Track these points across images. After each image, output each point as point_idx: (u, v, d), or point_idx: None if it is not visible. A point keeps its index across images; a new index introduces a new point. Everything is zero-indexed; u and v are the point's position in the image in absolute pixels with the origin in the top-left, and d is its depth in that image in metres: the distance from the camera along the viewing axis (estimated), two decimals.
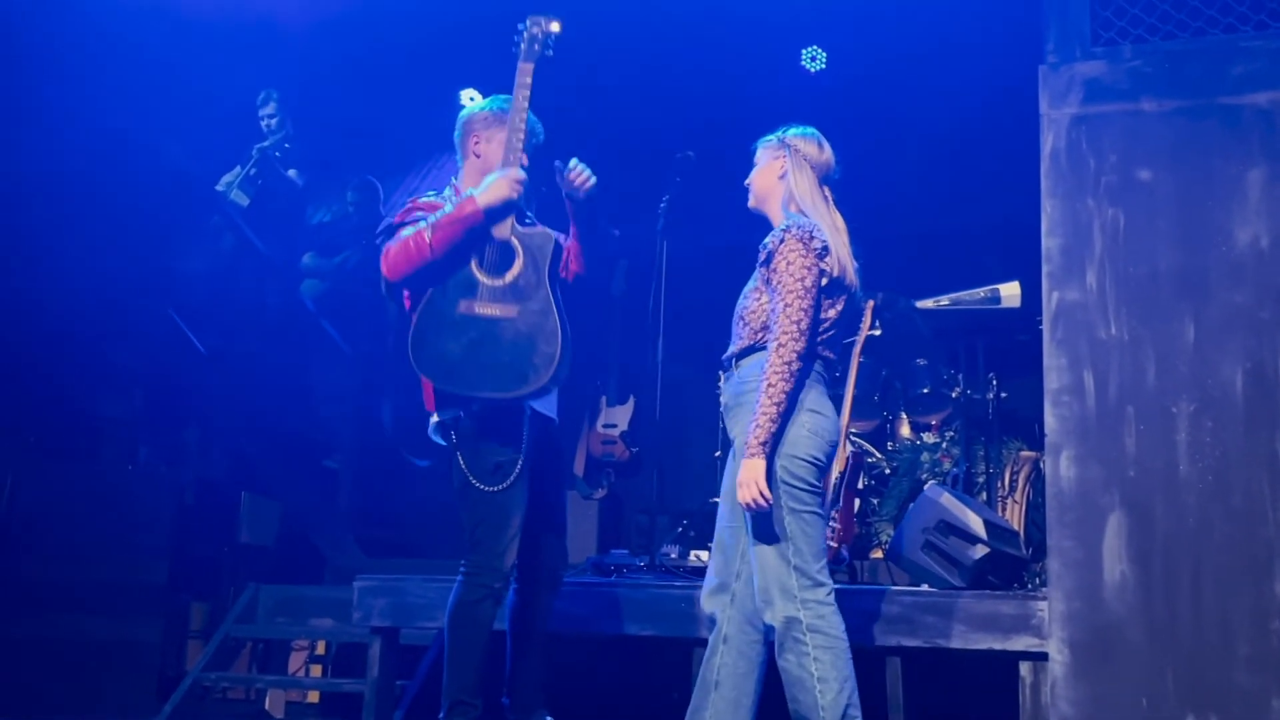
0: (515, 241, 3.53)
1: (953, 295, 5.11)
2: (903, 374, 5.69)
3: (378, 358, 6.73)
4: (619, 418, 6.67)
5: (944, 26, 5.89)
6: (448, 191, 3.73)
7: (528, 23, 3.66)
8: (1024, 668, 3.89)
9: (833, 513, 4.85)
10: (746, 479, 3.20)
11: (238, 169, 6.95)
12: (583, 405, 6.78)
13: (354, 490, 6.90)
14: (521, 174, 3.47)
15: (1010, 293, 5.02)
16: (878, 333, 5.29)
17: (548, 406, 3.64)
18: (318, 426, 7.02)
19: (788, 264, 3.30)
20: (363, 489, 6.97)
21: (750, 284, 3.47)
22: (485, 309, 3.47)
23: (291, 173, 6.99)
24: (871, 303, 5.03)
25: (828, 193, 3.52)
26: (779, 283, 3.31)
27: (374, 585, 4.75)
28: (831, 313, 3.40)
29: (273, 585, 6.07)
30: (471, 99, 7.64)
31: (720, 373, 3.56)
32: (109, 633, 5.63)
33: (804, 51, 6.87)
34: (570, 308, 3.58)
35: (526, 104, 3.59)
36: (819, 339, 3.38)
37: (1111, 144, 3.94)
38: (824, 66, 6.85)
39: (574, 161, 3.61)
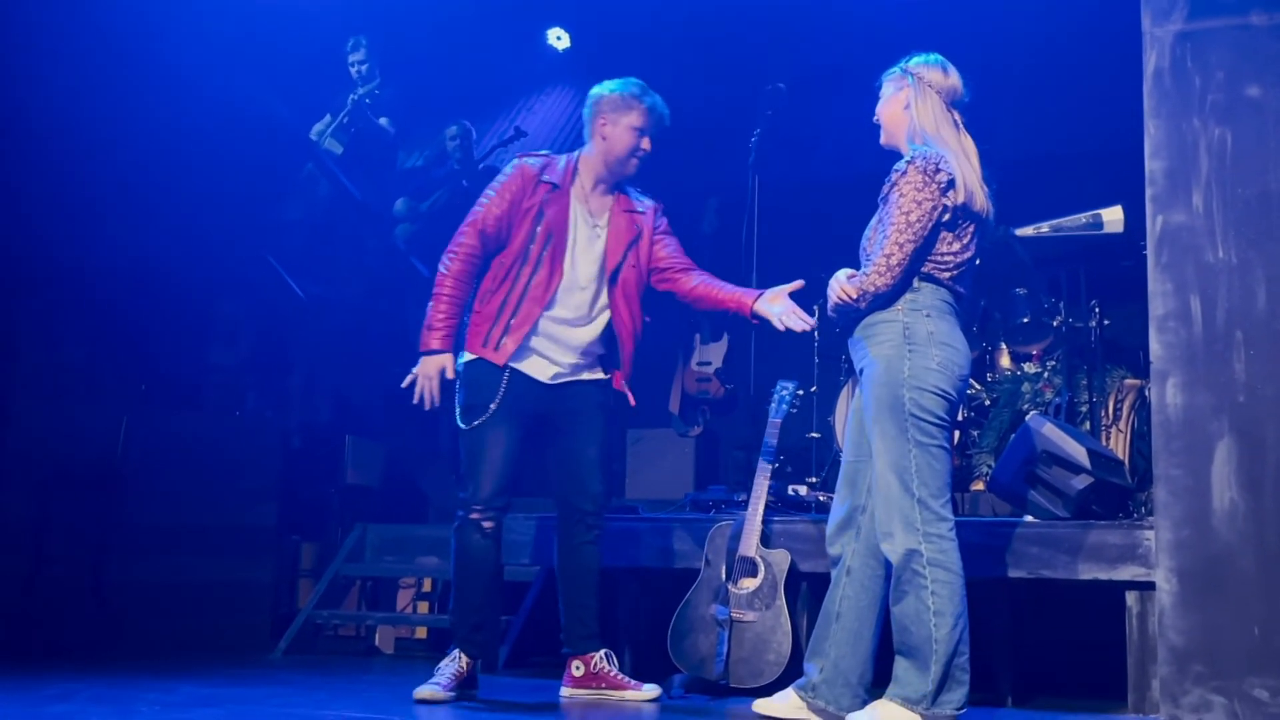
0: (759, 559, 4.11)
1: (1053, 222, 5.00)
2: (1002, 304, 5.59)
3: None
4: (713, 355, 6.67)
5: None
6: (562, 160, 4.01)
7: (778, 386, 4.35)
8: (1130, 597, 3.85)
9: None
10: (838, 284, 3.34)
11: (328, 117, 7.02)
12: (676, 343, 6.79)
13: (453, 431, 7.00)
14: (434, 393, 3.84)
15: (1113, 217, 4.90)
16: (976, 262, 5.19)
17: (532, 367, 3.90)
18: None
19: (900, 195, 3.27)
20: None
21: (873, 219, 3.44)
22: (735, 613, 4.08)
23: (383, 120, 7.05)
24: None
25: (957, 117, 3.45)
26: (889, 214, 3.29)
27: None
28: (957, 245, 3.35)
29: (379, 525, 6.22)
30: (559, 38, 7.63)
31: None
32: (223, 573, 5.81)
33: None
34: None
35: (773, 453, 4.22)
36: (948, 272, 3.35)
37: (1219, 61, 3.81)
38: None
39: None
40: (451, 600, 3.94)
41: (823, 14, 6.26)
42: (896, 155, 3.46)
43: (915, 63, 3.48)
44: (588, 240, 3.94)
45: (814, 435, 5.57)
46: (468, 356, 3.90)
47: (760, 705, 3.52)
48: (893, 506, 3.24)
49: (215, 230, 5.89)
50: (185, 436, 5.80)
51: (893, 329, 3.30)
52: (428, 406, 3.84)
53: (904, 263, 3.26)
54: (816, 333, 5.77)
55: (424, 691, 3.75)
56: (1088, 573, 3.90)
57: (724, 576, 4.15)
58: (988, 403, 5.35)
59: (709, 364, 6.64)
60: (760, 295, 3.86)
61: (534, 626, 4.98)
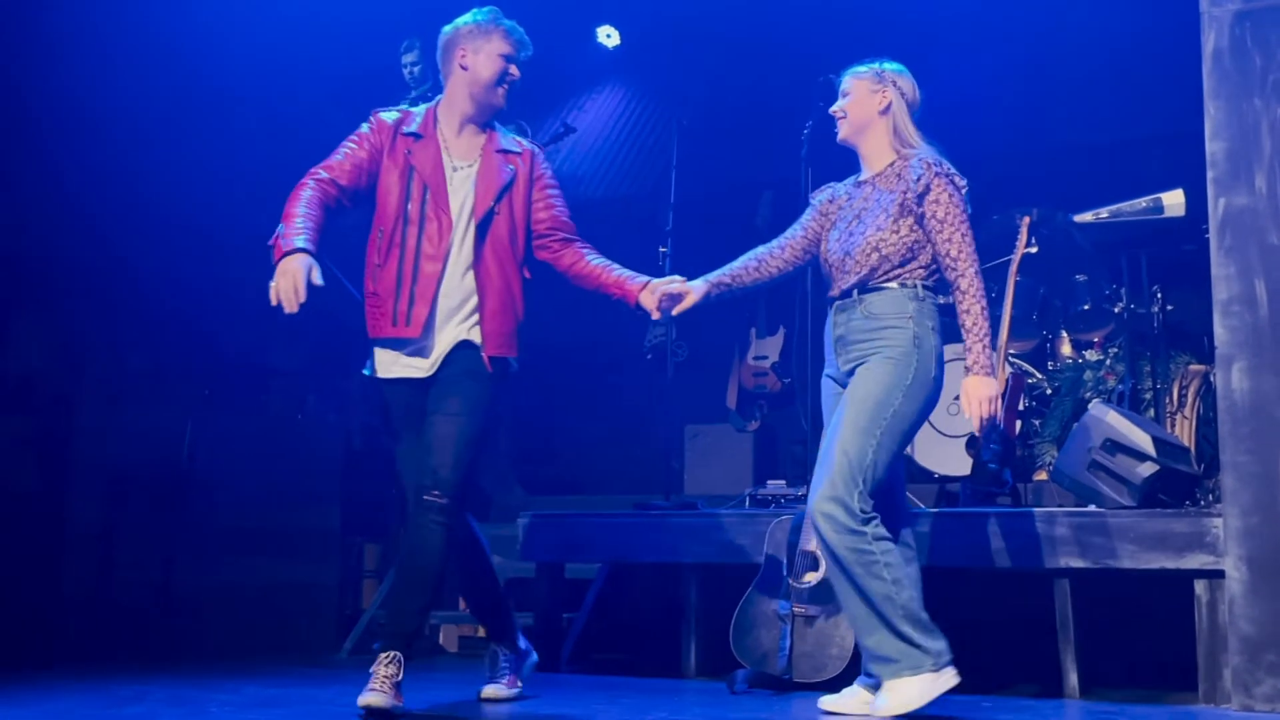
0: (820, 553, 4.00)
1: (1112, 207, 4.95)
2: (1062, 291, 5.54)
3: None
4: (769, 349, 6.65)
5: None
6: (420, 110, 3.71)
7: None
8: (1199, 586, 3.80)
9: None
10: (984, 396, 3.32)
11: None
12: (733, 338, 6.77)
13: (514, 430, 7.03)
14: (299, 287, 3.30)
15: (1173, 201, 4.84)
16: (1034, 250, 5.15)
17: (409, 368, 3.54)
18: None
19: (950, 197, 3.37)
20: (522, 428, 7.11)
21: (877, 215, 3.45)
22: (797, 607, 4.06)
23: None
24: (1027, 219, 4.90)
25: None
26: (946, 216, 3.36)
27: (537, 521, 4.86)
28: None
29: None
30: (609, 36, 7.63)
31: (838, 302, 3.53)
32: (288, 575, 5.87)
33: None
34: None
35: None
36: (935, 279, 3.46)
37: (1279, 39, 3.74)
38: None
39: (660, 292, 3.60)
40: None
41: (873, 4, 6.21)
42: (852, 152, 3.63)
43: (891, 69, 3.57)
44: (454, 186, 3.59)
45: None
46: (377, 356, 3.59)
47: (826, 702, 3.51)
48: (837, 488, 3.26)
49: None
50: (249, 440, 5.87)
51: (903, 335, 3.36)
52: (291, 308, 3.29)
53: None
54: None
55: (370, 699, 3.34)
56: (1155, 562, 3.85)
57: (785, 571, 4.14)
58: (1049, 391, 5.29)
59: (765, 358, 6.62)
60: (646, 285, 3.60)
61: (596, 624, 5.00)
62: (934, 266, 3.43)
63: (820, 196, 3.73)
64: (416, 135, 3.62)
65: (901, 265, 3.40)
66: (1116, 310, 5.32)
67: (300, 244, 3.36)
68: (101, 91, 5.32)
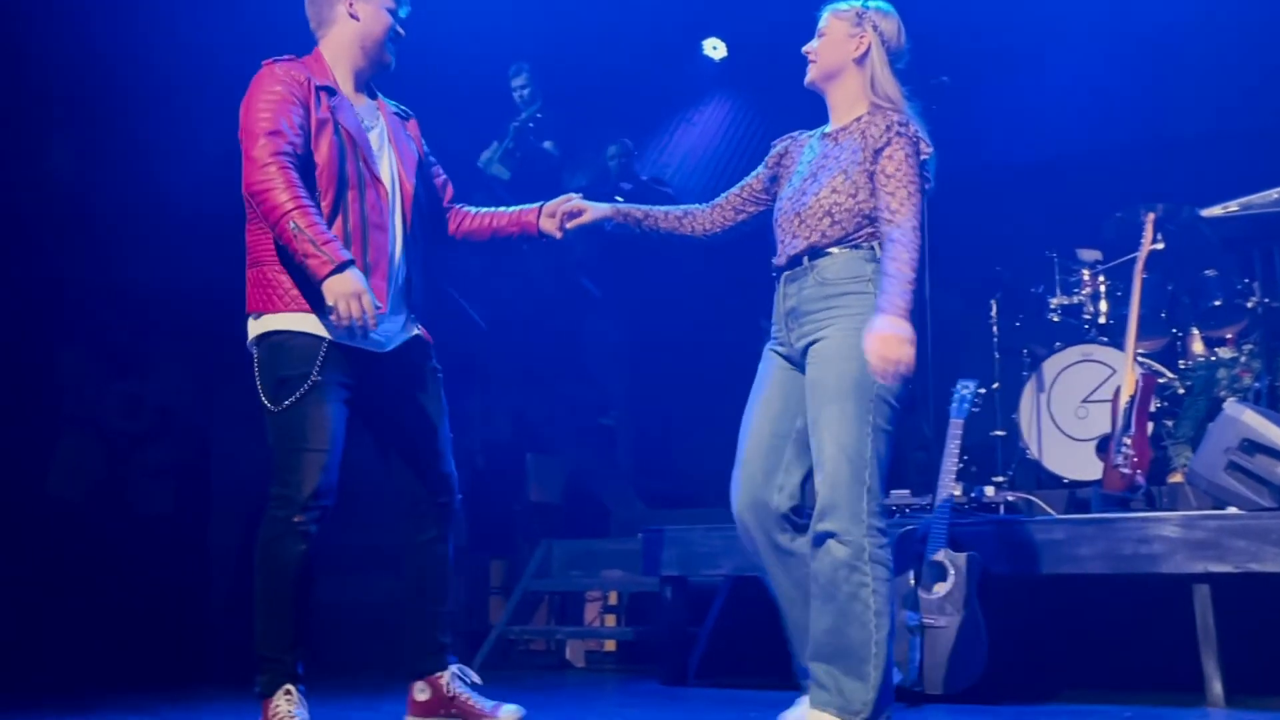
0: (948, 562, 4.02)
1: (1242, 200, 4.80)
2: (1191, 288, 5.39)
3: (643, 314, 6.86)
4: None
5: None
6: (312, 63, 3.29)
7: (958, 385, 4.43)
8: None
9: (1124, 439, 4.66)
10: (888, 334, 2.83)
11: (495, 144, 7.16)
12: None
13: (631, 445, 7.07)
14: (369, 309, 3.03)
15: None
16: (1160, 246, 5.02)
17: (370, 342, 3.21)
18: (591, 386, 7.23)
19: (906, 158, 2.98)
20: (639, 443, 7.14)
21: (833, 174, 3.06)
22: (926, 618, 4.02)
23: (547, 144, 7.17)
24: (1152, 215, 4.78)
25: None
26: (896, 173, 2.97)
27: (659, 535, 4.88)
28: None
29: (564, 540, 6.32)
30: (715, 48, 7.65)
31: (786, 271, 3.14)
32: None
33: None
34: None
35: (957, 454, 4.25)
36: None
37: None
38: None
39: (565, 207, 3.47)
40: (262, 623, 3.28)
41: (986, 1, 6.12)
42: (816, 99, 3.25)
43: (875, 9, 3.18)
44: (374, 150, 3.28)
45: (999, 433, 5.45)
46: (284, 323, 3.15)
47: None
48: (840, 494, 2.91)
49: None
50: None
51: (863, 301, 2.98)
52: (372, 326, 3.04)
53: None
54: (996, 329, 5.68)
55: None
56: None
57: (912, 582, 4.09)
58: (1181, 391, 5.15)
59: None
60: (541, 210, 3.45)
61: (722, 637, 5.00)
62: None
63: (777, 147, 3.33)
64: (330, 89, 3.23)
65: (856, 230, 3.02)
66: (1250, 305, 5.16)
67: (347, 255, 3.04)
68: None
